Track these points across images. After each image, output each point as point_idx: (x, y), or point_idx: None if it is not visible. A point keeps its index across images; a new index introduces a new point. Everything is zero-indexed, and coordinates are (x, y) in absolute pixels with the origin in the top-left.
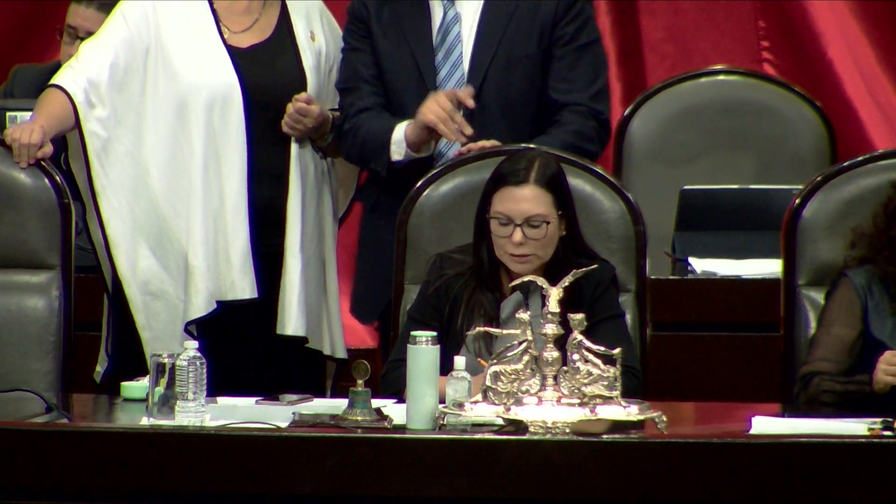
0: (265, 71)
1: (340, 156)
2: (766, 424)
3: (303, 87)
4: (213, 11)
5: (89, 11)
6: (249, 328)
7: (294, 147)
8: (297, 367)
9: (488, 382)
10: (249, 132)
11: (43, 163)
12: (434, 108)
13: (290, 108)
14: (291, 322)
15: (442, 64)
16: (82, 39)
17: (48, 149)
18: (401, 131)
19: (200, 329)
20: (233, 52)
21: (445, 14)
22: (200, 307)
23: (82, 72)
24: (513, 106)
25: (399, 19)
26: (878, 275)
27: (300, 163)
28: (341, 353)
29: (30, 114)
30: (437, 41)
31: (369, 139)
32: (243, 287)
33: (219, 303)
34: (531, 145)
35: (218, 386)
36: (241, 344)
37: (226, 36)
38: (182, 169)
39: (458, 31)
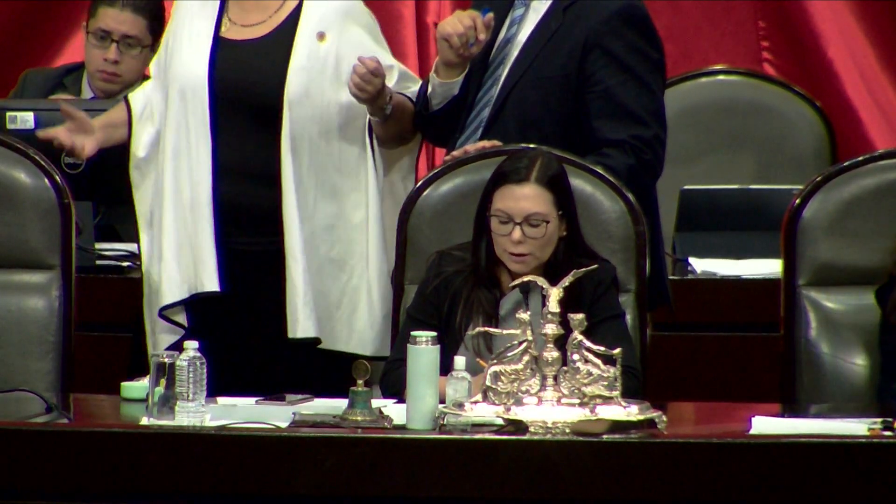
0: (241, 66)
1: (392, 143)
2: (766, 424)
3: (281, 88)
4: (223, 4)
5: (124, 14)
6: (256, 331)
7: (287, 145)
8: (326, 369)
9: (488, 382)
10: (215, 126)
11: (43, 163)
12: (452, 22)
13: (358, 68)
14: (300, 325)
15: (486, 80)
16: (117, 42)
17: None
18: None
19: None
20: (221, 44)
21: (507, 31)
22: (170, 294)
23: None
24: (529, 121)
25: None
26: None
27: (297, 163)
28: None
29: (31, 114)
30: (492, 57)
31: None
32: (206, 281)
33: (192, 295)
34: (531, 145)
35: (234, 388)
36: (255, 347)
37: (224, 29)
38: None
39: (508, 51)
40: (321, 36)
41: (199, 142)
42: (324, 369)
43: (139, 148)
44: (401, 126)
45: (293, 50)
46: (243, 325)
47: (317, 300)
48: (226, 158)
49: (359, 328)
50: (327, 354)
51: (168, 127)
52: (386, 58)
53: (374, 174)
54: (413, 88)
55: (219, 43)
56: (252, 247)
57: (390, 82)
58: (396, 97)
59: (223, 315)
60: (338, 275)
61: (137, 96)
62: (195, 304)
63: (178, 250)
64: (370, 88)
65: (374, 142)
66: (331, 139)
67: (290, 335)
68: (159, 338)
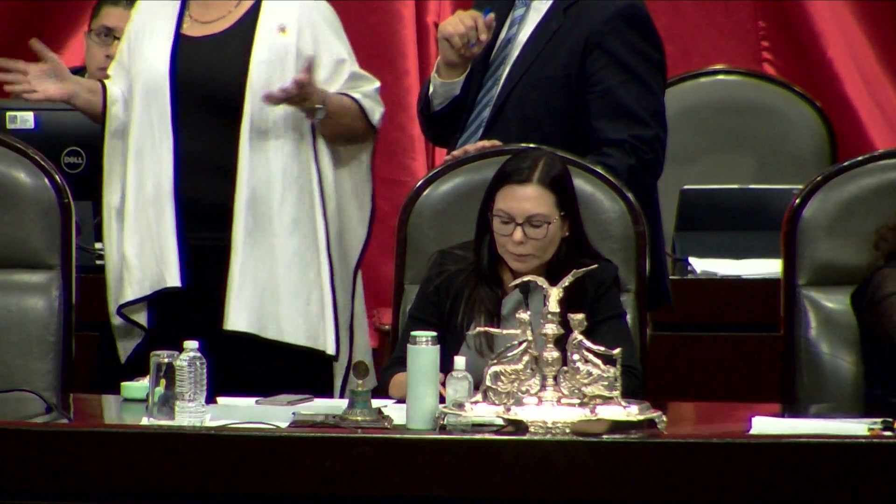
0: (202, 62)
1: (340, 141)
2: (766, 424)
3: (243, 81)
4: (184, 2)
5: (129, 12)
6: (216, 327)
7: (246, 139)
8: (297, 368)
9: (488, 382)
10: (177, 122)
11: (43, 163)
12: (453, 22)
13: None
14: (230, 317)
15: (487, 80)
16: (119, 40)
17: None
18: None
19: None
20: (182, 41)
21: (507, 32)
22: (130, 293)
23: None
24: (529, 121)
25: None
26: None
27: (262, 157)
28: (331, 350)
29: (31, 114)
30: (493, 57)
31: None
32: (168, 277)
33: (154, 291)
34: (532, 145)
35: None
36: (215, 343)
37: (186, 25)
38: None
39: (509, 51)
40: (282, 29)
41: (161, 138)
42: (288, 365)
43: (110, 134)
44: (342, 126)
45: (254, 43)
46: (204, 322)
47: (271, 293)
48: (188, 154)
49: (317, 323)
50: (291, 351)
51: (131, 124)
52: (341, 53)
53: (317, 170)
54: (364, 88)
55: (180, 40)
56: (213, 242)
57: (338, 80)
58: (334, 98)
59: (184, 311)
60: (301, 269)
61: (112, 89)
62: (157, 300)
63: (140, 246)
64: (293, 99)
65: (319, 139)
66: (293, 133)
67: (224, 327)
68: (125, 336)
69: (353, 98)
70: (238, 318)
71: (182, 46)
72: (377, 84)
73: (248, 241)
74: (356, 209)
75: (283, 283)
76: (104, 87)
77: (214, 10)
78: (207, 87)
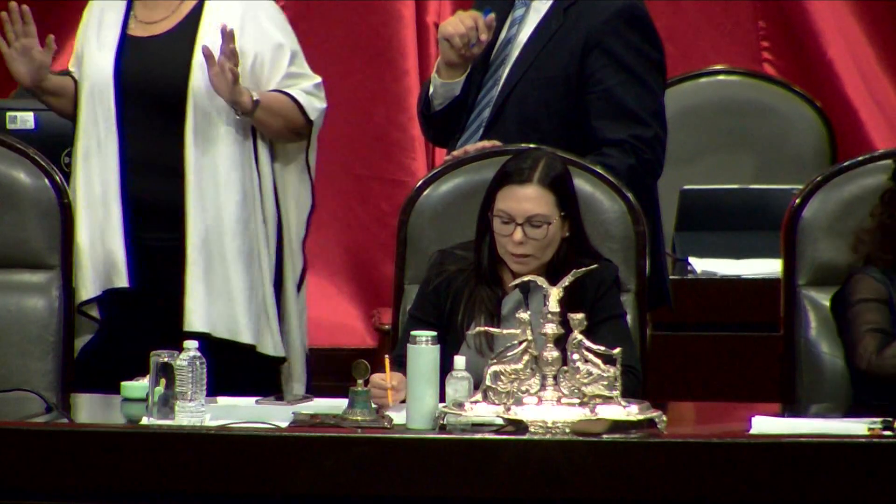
0: (146, 62)
1: (277, 138)
2: (766, 424)
3: (186, 82)
4: (130, 3)
5: None
6: (166, 326)
7: (191, 139)
8: (249, 369)
9: (488, 382)
10: (122, 122)
11: (43, 163)
12: (454, 22)
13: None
14: (188, 318)
15: (487, 80)
16: None
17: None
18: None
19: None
20: (127, 42)
21: (507, 32)
22: (84, 293)
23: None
24: (529, 121)
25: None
26: (881, 268)
27: (207, 157)
28: (279, 352)
29: (31, 114)
30: (493, 57)
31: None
32: (115, 277)
33: (104, 291)
34: (532, 145)
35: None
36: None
37: (132, 26)
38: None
39: (509, 51)
40: (225, 28)
41: (107, 139)
42: (241, 365)
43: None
44: (279, 123)
45: (196, 43)
46: (152, 321)
47: (223, 294)
48: (134, 154)
49: (263, 324)
50: (245, 351)
51: (79, 125)
52: (283, 44)
53: (257, 170)
54: (303, 85)
55: (125, 41)
56: (161, 242)
57: (277, 75)
58: (268, 95)
59: (134, 311)
60: (247, 269)
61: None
62: (109, 299)
63: (91, 247)
64: (226, 77)
65: (259, 138)
66: (235, 132)
67: (183, 328)
68: (80, 333)
69: (289, 95)
70: (196, 318)
71: (127, 47)
72: (318, 80)
73: (201, 242)
74: (294, 207)
75: (233, 283)
76: (76, 83)
77: (159, 10)
78: (151, 87)
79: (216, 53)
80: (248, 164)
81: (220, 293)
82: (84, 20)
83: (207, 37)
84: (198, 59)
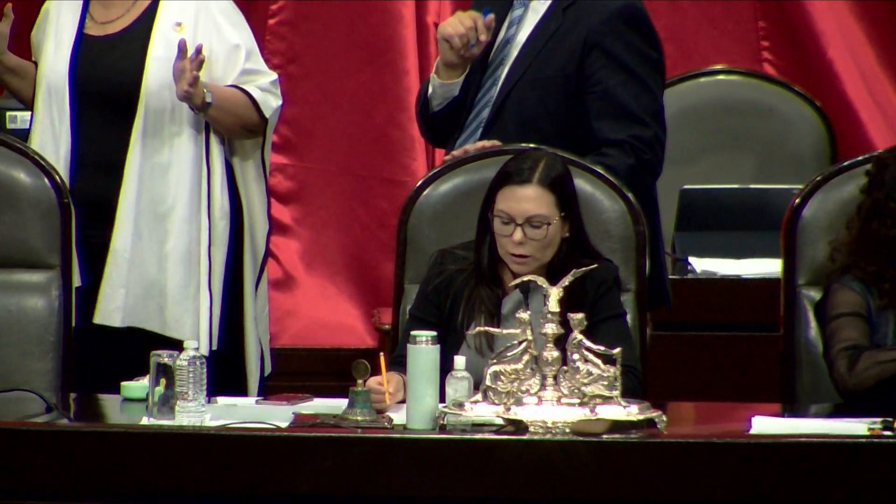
0: (100, 61)
1: (232, 135)
2: (766, 424)
3: (139, 80)
4: (86, 3)
5: None
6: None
7: (138, 136)
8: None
9: (488, 382)
10: (76, 122)
11: (43, 163)
12: (453, 23)
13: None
14: (98, 312)
15: (486, 81)
16: None
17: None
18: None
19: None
20: (83, 42)
21: (506, 32)
22: None
23: None
24: (528, 121)
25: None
26: (860, 278)
27: (157, 155)
28: (204, 348)
29: (30, 114)
30: (492, 57)
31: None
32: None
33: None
34: (532, 145)
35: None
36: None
37: (88, 25)
38: None
39: (507, 51)
40: (178, 24)
41: (61, 138)
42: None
43: None
44: (233, 120)
45: (151, 40)
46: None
47: (157, 290)
48: (85, 153)
49: (202, 321)
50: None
51: (35, 122)
52: (237, 42)
53: (208, 168)
54: (259, 82)
55: (81, 41)
56: (103, 240)
57: (233, 71)
58: (223, 91)
59: (87, 309)
60: (189, 267)
61: None
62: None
63: None
64: (187, 77)
65: (212, 135)
66: (189, 129)
67: (93, 320)
68: None
69: (244, 91)
70: (107, 312)
71: (82, 47)
72: (274, 77)
73: (133, 238)
74: (258, 202)
75: (171, 280)
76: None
77: (114, 9)
78: (105, 86)
79: (172, 53)
80: (199, 161)
81: (153, 289)
82: (39, 20)
83: (161, 34)
84: (151, 55)
